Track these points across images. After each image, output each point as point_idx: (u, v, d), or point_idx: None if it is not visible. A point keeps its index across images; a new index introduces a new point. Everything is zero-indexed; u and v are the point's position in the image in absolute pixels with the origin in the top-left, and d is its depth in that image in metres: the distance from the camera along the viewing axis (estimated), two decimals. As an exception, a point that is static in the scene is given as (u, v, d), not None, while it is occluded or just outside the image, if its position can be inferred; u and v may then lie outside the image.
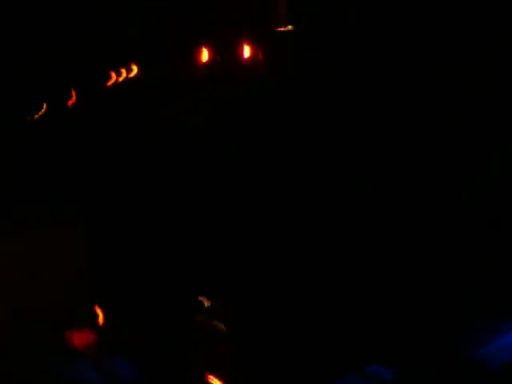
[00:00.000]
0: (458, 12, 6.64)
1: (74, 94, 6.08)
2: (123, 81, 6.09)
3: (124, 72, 6.04)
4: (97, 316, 5.58)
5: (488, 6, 6.76)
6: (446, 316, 5.29)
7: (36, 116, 6.32)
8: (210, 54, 5.13)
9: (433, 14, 6.38)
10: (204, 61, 5.38)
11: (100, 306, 5.67)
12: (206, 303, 4.29)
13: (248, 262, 4.65)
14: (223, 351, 4.16)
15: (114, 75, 6.02)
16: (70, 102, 6.24)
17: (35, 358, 6.35)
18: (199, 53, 5.37)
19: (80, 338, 5.59)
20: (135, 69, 5.99)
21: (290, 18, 5.93)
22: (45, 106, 6.37)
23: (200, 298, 4.30)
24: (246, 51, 5.04)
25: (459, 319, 5.41)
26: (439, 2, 6.47)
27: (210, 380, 4.14)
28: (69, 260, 7.33)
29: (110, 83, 6.18)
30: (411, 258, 5.38)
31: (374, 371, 4.74)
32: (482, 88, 6.21)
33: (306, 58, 5.82)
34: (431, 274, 5.36)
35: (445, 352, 5.06)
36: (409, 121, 6.04)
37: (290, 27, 6.06)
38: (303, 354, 4.44)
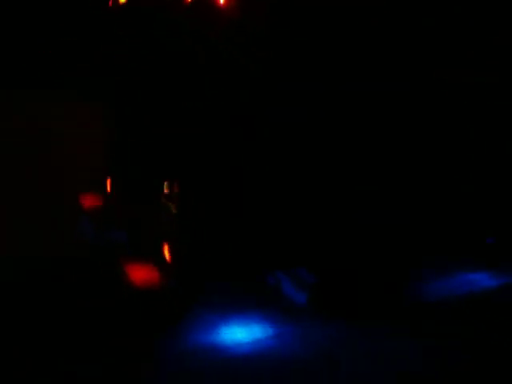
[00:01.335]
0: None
1: None
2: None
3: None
4: (105, 185, 6.96)
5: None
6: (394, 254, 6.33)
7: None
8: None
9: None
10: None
11: (109, 178, 7.01)
12: (166, 190, 5.57)
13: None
14: (173, 225, 5.49)
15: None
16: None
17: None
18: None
19: (87, 201, 7.05)
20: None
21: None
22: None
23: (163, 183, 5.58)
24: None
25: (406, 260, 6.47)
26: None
27: (164, 246, 5.50)
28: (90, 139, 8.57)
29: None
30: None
31: (299, 273, 6.04)
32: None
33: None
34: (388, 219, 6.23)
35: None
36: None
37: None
38: (238, 241, 5.63)
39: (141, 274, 5.59)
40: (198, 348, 5.50)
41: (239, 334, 5.74)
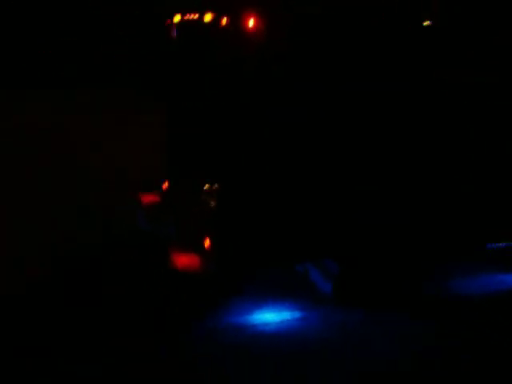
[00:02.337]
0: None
1: None
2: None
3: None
4: (162, 185, 7.86)
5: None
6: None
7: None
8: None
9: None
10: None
11: (167, 178, 7.90)
12: (206, 187, 6.41)
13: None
14: (212, 219, 6.33)
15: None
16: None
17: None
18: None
19: (146, 198, 7.96)
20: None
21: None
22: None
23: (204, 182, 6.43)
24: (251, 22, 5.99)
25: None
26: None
27: (204, 236, 6.33)
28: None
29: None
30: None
31: (325, 263, 6.71)
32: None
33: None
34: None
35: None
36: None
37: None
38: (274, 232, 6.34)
39: (184, 260, 6.40)
40: (229, 326, 6.25)
41: (268, 315, 6.46)
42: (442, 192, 6.83)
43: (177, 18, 7.09)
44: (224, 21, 6.05)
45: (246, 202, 6.23)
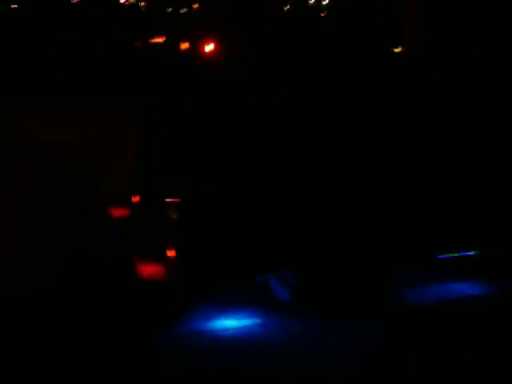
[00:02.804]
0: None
1: None
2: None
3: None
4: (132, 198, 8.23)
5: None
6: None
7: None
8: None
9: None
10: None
11: (137, 192, 8.26)
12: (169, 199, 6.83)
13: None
14: (175, 230, 6.73)
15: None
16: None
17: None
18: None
19: (117, 211, 8.34)
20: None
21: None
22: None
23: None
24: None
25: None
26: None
27: (168, 246, 6.73)
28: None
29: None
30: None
31: (284, 273, 7.12)
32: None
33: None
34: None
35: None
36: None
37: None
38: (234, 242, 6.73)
39: (149, 269, 6.78)
40: (191, 331, 6.64)
41: (228, 322, 6.85)
42: (391, 203, 7.12)
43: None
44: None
45: (207, 215, 6.62)
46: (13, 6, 26.82)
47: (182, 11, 30.26)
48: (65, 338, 6.30)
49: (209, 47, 6.35)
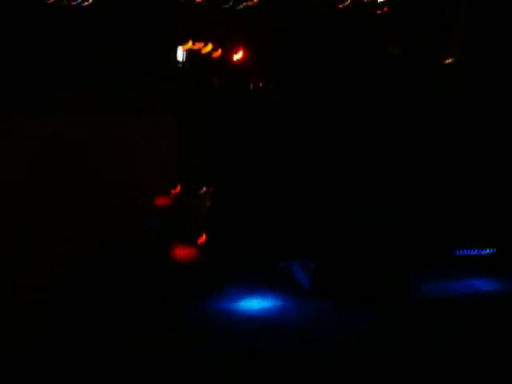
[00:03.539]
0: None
1: None
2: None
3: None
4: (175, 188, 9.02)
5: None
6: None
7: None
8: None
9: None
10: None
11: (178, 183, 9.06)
12: (203, 190, 7.61)
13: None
14: (206, 219, 7.50)
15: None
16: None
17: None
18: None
19: (159, 199, 9.15)
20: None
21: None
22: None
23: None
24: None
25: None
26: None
27: (200, 233, 7.50)
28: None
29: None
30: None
31: (304, 260, 7.78)
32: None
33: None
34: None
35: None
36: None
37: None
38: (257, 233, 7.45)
39: (183, 252, 7.57)
40: (219, 310, 7.34)
41: (253, 303, 7.54)
42: (411, 200, 7.69)
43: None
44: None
45: (236, 206, 7.37)
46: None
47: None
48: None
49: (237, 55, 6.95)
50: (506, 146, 7.88)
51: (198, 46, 8.10)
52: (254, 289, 7.77)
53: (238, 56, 6.84)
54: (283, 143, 7.23)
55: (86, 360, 6.04)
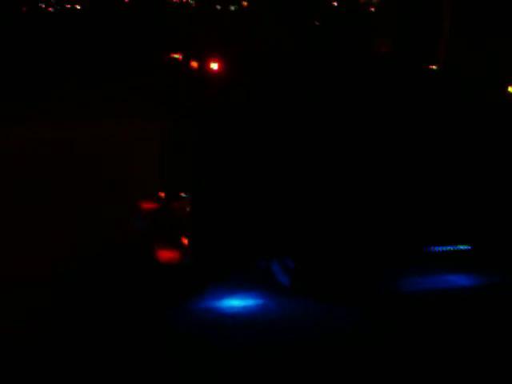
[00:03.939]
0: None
1: None
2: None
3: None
4: (160, 194, 9.31)
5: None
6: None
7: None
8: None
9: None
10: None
11: (162, 189, 9.35)
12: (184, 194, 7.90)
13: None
14: (188, 221, 7.77)
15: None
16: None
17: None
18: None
19: (145, 204, 9.45)
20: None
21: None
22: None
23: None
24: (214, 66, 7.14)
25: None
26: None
27: (183, 234, 7.78)
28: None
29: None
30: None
31: (284, 260, 8.08)
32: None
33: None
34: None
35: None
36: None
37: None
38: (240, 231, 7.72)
39: (167, 254, 7.86)
40: (203, 309, 7.65)
41: (233, 302, 7.86)
42: (385, 196, 7.90)
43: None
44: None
45: (215, 209, 7.64)
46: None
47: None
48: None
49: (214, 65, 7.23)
50: (480, 142, 8.13)
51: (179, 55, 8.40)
52: (235, 289, 8.08)
53: (215, 66, 7.10)
54: (260, 140, 7.47)
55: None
